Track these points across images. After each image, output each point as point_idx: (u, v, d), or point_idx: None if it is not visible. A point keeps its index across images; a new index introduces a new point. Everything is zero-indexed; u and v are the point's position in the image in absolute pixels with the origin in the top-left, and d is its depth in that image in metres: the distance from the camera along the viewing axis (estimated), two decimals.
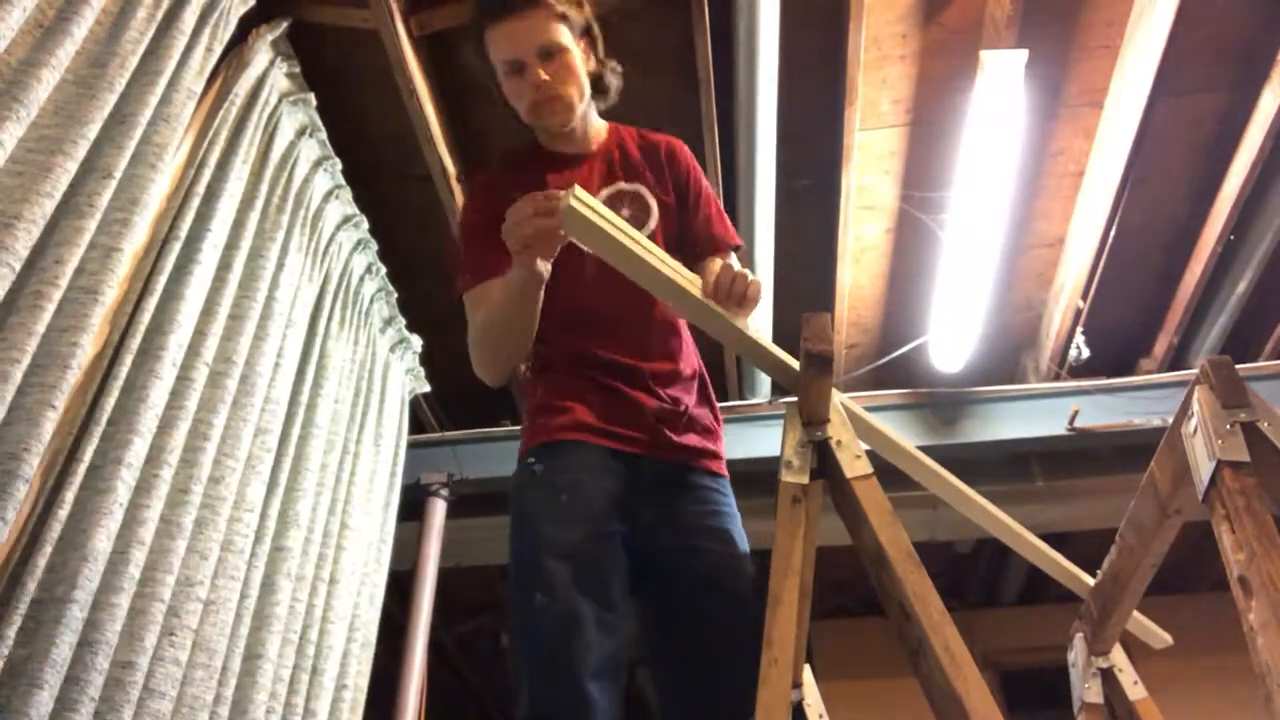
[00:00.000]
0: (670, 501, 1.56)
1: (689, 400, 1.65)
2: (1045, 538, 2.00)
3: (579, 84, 1.64)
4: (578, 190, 1.32)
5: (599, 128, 1.76)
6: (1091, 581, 1.93)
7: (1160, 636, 1.98)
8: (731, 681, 1.43)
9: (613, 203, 1.62)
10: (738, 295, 1.44)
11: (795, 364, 1.50)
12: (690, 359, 1.70)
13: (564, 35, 1.60)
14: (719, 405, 1.75)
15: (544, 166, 1.69)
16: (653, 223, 1.66)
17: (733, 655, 1.45)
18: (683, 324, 1.71)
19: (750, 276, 1.46)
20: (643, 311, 1.63)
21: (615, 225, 1.37)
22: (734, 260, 1.66)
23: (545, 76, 1.59)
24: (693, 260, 1.64)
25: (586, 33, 1.68)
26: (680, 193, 1.72)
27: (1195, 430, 1.42)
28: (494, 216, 1.51)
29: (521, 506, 1.52)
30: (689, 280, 1.46)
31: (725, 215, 1.76)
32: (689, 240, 1.70)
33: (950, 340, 3.60)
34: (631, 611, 1.47)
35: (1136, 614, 1.90)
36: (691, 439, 1.62)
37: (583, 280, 1.59)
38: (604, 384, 1.58)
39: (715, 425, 1.69)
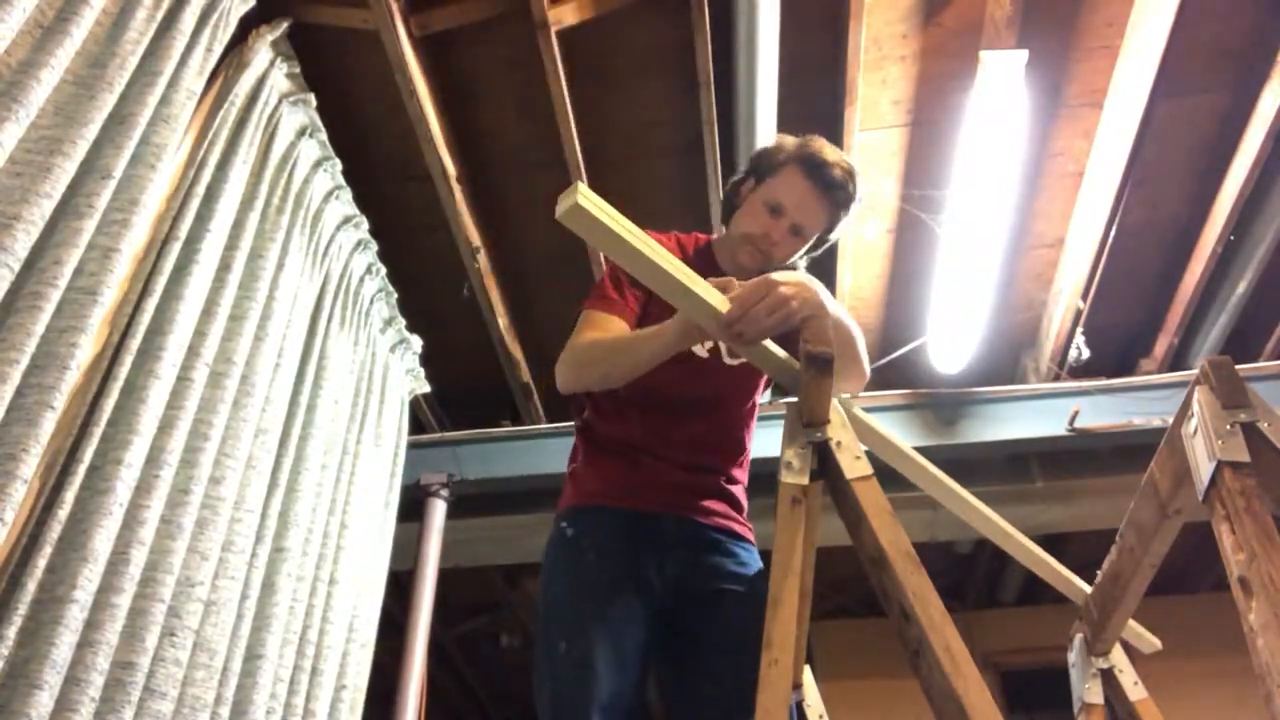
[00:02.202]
0: (694, 553, 1.66)
1: (718, 491, 1.74)
2: (1045, 538, 2.01)
3: (785, 260, 1.73)
4: (581, 188, 1.32)
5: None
6: (1086, 587, 1.92)
7: (1150, 641, 1.98)
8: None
9: None
10: (755, 326, 1.36)
11: (795, 364, 1.50)
12: (739, 472, 1.79)
13: (819, 230, 1.71)
14: None
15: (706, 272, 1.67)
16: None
17: (744, 698, 1.50)
18: (749, 438, 1.80)
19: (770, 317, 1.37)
20: (711, 414, 1.73)
21: (622, 225, 1.37)
22: None
23: (778, 241, 1.68)
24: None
25: (825, 236, 1.76)
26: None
27: (1195, 430, 1.41)
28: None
29: (552, 564, 1.66)
30: (691, 279, 1.46)
31: None
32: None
33: (950, 341, 3.60)
34: (644, 660, 1.57)
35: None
36: (715, 504, 1.71)
37: (670, 368, 1.56)
38: (639, 460, 1.69)
39: (742, 508, 1.77)
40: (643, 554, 1.62)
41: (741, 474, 1.80)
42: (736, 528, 1.72)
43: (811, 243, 1.73)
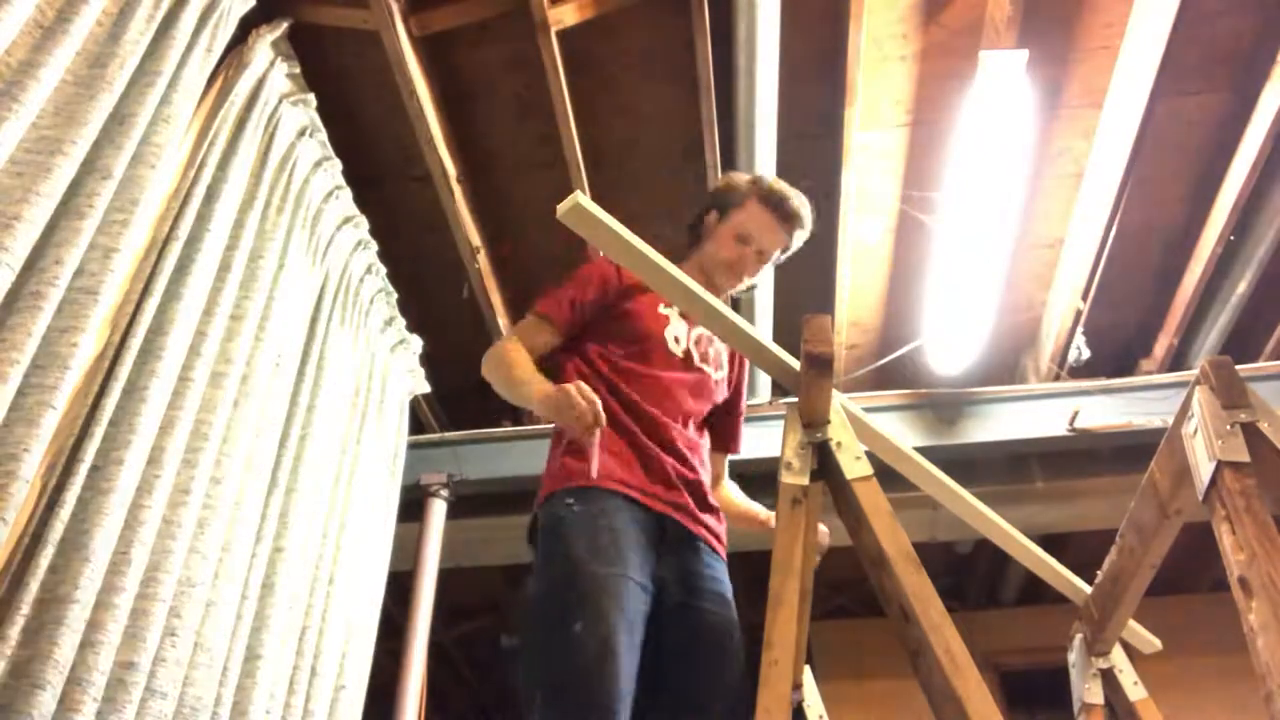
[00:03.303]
0: (682, 560, 1.68)
1: (708, 501, 1.79)
2: (1045, 538, 2.01)
3: (752, 281, 2.00)
4: (579, 196, 1.36)
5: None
6: (1086, 587, 1.93)
7: (1149, 641, 1.98)
8: None
9: (706, 341, 1.91)
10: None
11: (796, 364, 1.50)
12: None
13: (778, 251, 1.97)
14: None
15: None
16: (721, 373, 1.94)
17: (719, 707, 1.57)
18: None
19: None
20: (691, 421, 1.84)
21: (619, 226, 1.39)
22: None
23: (750, 266, 1.95)
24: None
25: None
26: (734, 387, 2.01)
27: (1195, 431, 1.42)
28: (606, 286, 1.88)
29: (559, 541, 1.60)
30: (680, 273, 1.48)
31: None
32: (714, 424, 1.96)
33: (950, 341, 3.60)
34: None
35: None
36: (710, 520, 1.76)
37: (670, 366, 1.83)
38: (639, 442, 1.72)
39: (722, 523, 1.84)
40: (647, 548, 1.61)
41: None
42: (718, 546, 1.77)
43: (767, 270, 2.01)
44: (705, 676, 1.59)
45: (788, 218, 1.93)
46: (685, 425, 1.81)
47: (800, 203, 1.94)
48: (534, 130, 3.13)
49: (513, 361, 1.77)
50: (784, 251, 1.99)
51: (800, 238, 1.98)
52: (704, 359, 1.88)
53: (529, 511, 1.72)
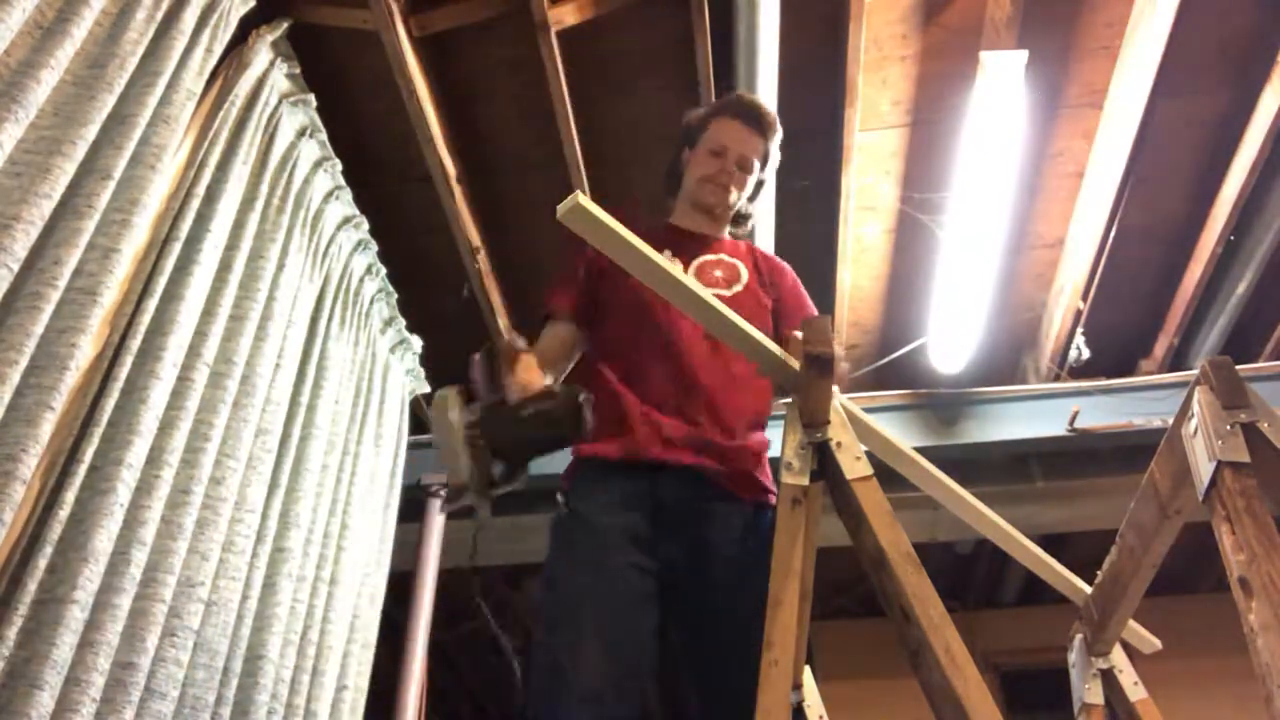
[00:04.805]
0: (691, 532, 1.62)
1: (733, 444, 1.69)
2: (1045, 539, 2.01)
3: (740, 196, 1.93)
4: (579, 196, 1.36)
5: (726, 235, 1.97)
6: (1086, 587, 1.93)
7: (1149, 641, 1.98)
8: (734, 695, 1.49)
9: (709, 266, 1.85)
10: None
11: (796, 364, 1.50)
12: (752, 443, 1.74)
13: (757, 157, 1.91)
14: None
15: (668, 239, 1.85)
16: (740, 285, 1.84)
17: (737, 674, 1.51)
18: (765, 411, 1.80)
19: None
20: (727, 390, 1.72)
21: (619, 226, 1.39)
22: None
23: (730, 174, 1.89)
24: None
25: (761, 172, 1.95)
26: (777, 299, 1.89)
27: (1195, 431, 1.42)
28: (592, 267, 1.84)
29: (553, 547, 1.66)
30: (678, 272, 1.49)
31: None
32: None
33: (950, 341, 3.60)
34: (650, 639, 1.55)
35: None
36: (715, 461, 1.66)
37: (685, 350, 1.73)
38: (630, 398, 1.70)
39: (762, 468, 1.73)
40: (642, 524, 1.60)
41: (752, 444, 1.74)
42: (744, 489, 1.67)
43: (755, 175, 1.93)
44: (716, 670, 1.55)
45: (757, 120, 1.90)
46: (714, 400, 1.70)
47: (763, 105, 1.94)
48: (534, 130, 3.13)
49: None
50: (764, 162, 1.93)
51: (776, 144, 1.93)
52: (718, 285, 1.81)
53: (530, 511, 1.76)
